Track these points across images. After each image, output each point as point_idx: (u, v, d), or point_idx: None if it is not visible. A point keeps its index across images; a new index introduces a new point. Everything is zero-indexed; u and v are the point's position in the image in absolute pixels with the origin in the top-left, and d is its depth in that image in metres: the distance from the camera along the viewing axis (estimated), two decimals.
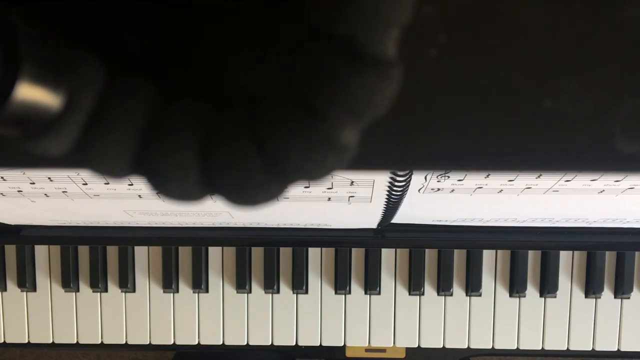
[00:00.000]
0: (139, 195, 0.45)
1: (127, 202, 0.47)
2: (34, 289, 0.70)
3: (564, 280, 0.68)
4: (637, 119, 0.20)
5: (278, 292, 0.69)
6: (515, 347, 0.69)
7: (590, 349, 0.69)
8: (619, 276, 0.68)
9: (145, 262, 0.70)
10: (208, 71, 0.18)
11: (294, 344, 0.70)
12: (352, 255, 0.69)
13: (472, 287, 0.68)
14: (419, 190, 0.43)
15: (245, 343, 0.70)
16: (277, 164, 0.16)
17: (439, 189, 0.42)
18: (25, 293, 0.70)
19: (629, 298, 0.68)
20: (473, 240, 0.64)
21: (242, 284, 0.69)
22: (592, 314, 0.69)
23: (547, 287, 0.68)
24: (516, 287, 0.68)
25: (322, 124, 0.16)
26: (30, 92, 0.14)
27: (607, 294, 0.68)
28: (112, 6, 0.18)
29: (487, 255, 0.68)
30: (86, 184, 0.42)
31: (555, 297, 0.68)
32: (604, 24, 0.19)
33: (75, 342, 0.71)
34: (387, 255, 0.69)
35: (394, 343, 0.69)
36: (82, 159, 0.17)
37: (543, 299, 0.69)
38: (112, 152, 0.16)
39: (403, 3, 0.15)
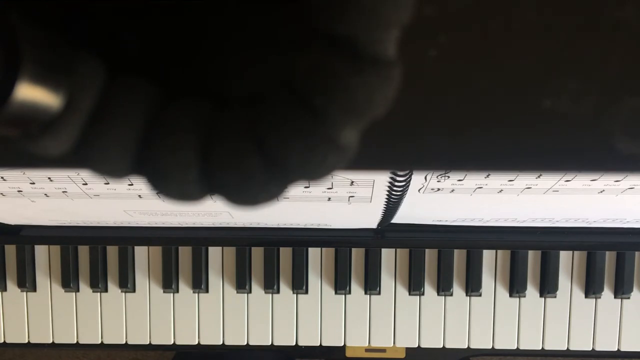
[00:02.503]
0: (139, 195, 0.45)
1: (127, 202, 0.47)
2: (34, 289, 0.70)
3: (564, 280, 0.68)
4: (637, 119, 0.20)
5: (278, 292, 0.69)
6: (515, 347, 0.69)
7: (590, 349, 0.69)
8: (619, 276, 0.68)
9: (145, 262, 0.70)
10: (208, 71, 0.18)
11: (294, 344, 0.70)
12: (352, 255, 0.69)
13: (472, 287, 0.68)
14: (419, 190, 0.43)
15: (245, 343, 0.70)
16: (277, 164, 0.16)
17: (439, 189, 0.42)
18: (25, 293, 0.70)
19: (629, 298, 0.68)
20: (473, 240, 0.64)
21: (242, 284, 0.69)
22: (592, 314, 0.69)
23: (547, 287, 0.68)
24: (516, 287, 0.68)
25: (322, 124, 0.16)
26: (30, 92, 0.14)
27: (607, 294, 0.68)
28: (112, 6, 0.18)
29: (487, 255, 0.68)
30: (86, 184, 0.42)
31: (555, 297, 0.68)
32: (604, 24, 0.19)
33: (75, 342, 0.71)
34: (387, 255, 0.69)
35: (394, 343, 0.69)
36: (82, 159, 0.17)
37: (543, 299, 0.69)
38: (112, 152, 0.16)
39: (403, 3, 0.15)
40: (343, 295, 0.69)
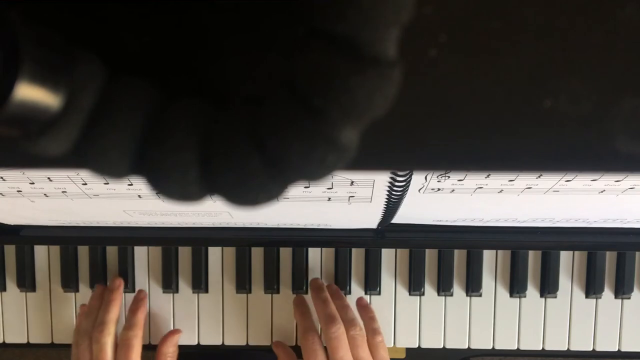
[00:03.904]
0: (139, 195, 0.45)
1: (127, 202, 0.47)
2: (34, 289, 0.70)
3: (564, 281, 0.68)
4: (637, 119, 0.20)
5: (278, 292, 0.69)
6: (515, 348, 0.69)
7: (591, 349, 0.69)
8: (620, 276, 0.68)
9: (145, 262, 0.70)
10: (208, 71, 0.18)
11: (294, 344, 0.70)
12: (352, 255, 0.69)
13: (473, 287, 0.68)
14: (419, 191, 0.43)
15: (245, 343, 0.70)
16: (277, 164, 0.16)
17: (439, 189, 0.42)
18: (24, 293, 0.70)
19: (629, 298, 0.68)
20: (473, 240, 0.64)
21: (242, 284, 0.69)
22: (592, 314, 0.69)
23: (548, 287, 0.68)
24: (516, 288, 0.68)
25: (322, 124, 0.16)
26: (30, 92, 0.14)
27: (607, 294, 0.68)
28: (112, 6, 0.18)
29: (488, 256, 0.68)
30: (86, 184, 0.42)
31: (555, 297, 0.68)
32: (604, 24, 0.19)
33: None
34: (387, 255, 0.69)
35: (394, 343, 0.69)
36: (81, 159, 0.17)
37: (543, 299, 0.69)
38: (111, 152, 0.16)
39: (403, 3, 0.15)
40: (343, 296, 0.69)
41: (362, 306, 0.67)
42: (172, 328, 0.70)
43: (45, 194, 0.45)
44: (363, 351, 0.62)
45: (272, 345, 0.69)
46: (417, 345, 0.69)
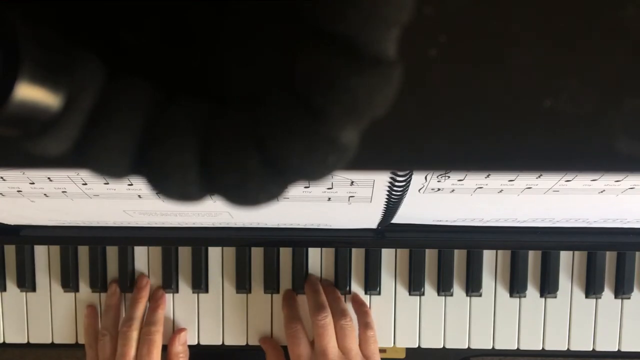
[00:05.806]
0: (139, 195, 0.45)
1: (127, 202, 0.47)
2: (34, 289, 0.70)
3: (564, 281, 0.68)
4: (637, 119, 0.20)
5: (278, 292, 0.69)
6: (515, 348, 0.69)
7: (591, 349, 0.69)
8: (620, 276, 0.68)
9: (145, 262, 0.70)
10: (208, 71, 0.18)
11: None
12: (352, 255, 0.69)
13: (473, 287, 0.68)
14: (419, 191, 0.43)
15: (245, 343, 0.70)
16: (277, 164, 0.16)
17: (439, 189, 0.42)
18: (24, 293, 0.70)
19: (629, 298, 0.68)
20: (473, 240, 0.64)
21: (242, 284, 0.69)
22: (592, 314, 0.69)
23: (548, 287, 0.68)
24: (516, 288, 0.68)
25: (322, 124, 0.16)
26: (30, 92, 0.14)
27: (607, 294, 0.68)
28: (112, 6, 0.18)
29: (487, 256, 0.68)
30: (86, 184, 0.42)
31: (555, 297, 0.68)
32: (605, 24, 0.19)
33: (75, 342, 0.70)
34: (387, 255, 0.69)
35: (394, 343, 0.69)
36: (81, 159, 0.17)
37: (543, 299, 0.69)
38: (111, 152, 0.16)
39: (403, 3, 0.15)
40: (343, 296, 0.69)
41: (357, 302, 0.67)
42: (172, 328, 0.70)
43: (45, 194, 0.45)
44: (350, 342, 0.62)
45: (259, 342, 0.69)
46: (417, 345, 0.69)
